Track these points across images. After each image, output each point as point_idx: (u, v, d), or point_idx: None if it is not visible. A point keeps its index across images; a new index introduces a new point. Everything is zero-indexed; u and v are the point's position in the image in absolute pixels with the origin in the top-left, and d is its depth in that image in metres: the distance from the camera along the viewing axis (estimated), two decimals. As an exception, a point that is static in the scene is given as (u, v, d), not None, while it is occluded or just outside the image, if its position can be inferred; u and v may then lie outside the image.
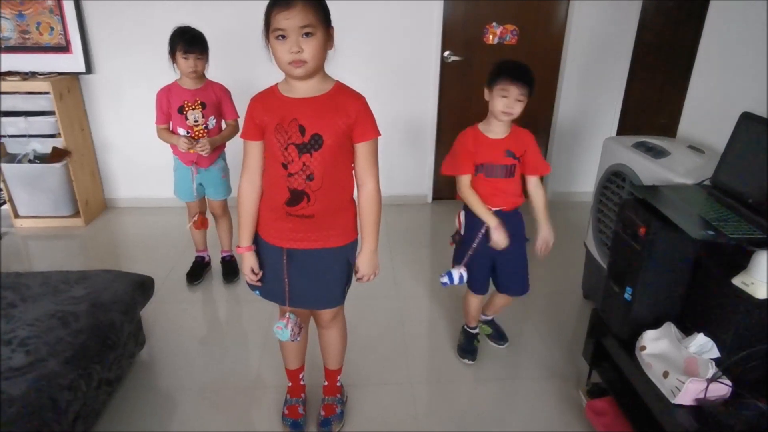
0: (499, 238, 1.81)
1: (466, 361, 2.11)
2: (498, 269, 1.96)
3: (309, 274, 1.51)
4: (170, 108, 2.36)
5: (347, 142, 1.40)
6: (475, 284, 2.00)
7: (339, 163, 1.41)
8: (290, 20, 1.23)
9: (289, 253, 1.49)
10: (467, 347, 2.15)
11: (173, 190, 2.56)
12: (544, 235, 1.89)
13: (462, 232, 1.95)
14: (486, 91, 1.79)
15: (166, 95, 2.36)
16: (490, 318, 2.25)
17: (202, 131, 2.37)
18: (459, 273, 1.91)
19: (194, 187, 2.50)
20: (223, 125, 2.49)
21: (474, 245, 1.88)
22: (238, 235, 1.53)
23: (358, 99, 1.40)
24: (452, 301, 2.52)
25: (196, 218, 2.61)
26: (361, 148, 1.42)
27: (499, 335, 2.24)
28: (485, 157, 1.83)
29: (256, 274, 1.54)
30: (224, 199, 2.59)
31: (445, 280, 1.93)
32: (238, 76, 2.65)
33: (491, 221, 1.81)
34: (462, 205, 1.94)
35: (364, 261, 1.52)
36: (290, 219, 1.44)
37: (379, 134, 1.43)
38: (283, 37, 1.25)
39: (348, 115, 1.36)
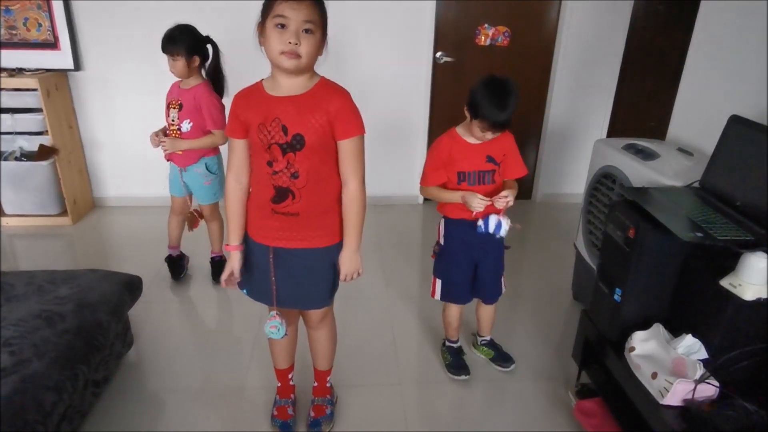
0: (474, 200, 1.70)
1: (462, 377, 2.02)
2: (477, 275, 1.94)
3: (295, 275, 1.50)
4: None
5: (332, 140, 1.38)
6: (457, 294, 1.97)
7: (324, 162, 1.39)
8: (296, 11, 1.23)
9: (276, 252, 1.48)
10: (457, 363, 2.06)
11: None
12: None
13: (441, 242, 1.93)
14: (466, 109, 1.72)
15: (169, 89, 2.40)
16: (488, 339, 2.17)
17: (175, 132, 2.37)
18: (496, 218, 1.74)
19: (182, 183, 2.49)
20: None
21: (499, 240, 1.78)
22: (227, 234, 1.52)
23: (341, 95, 1.37)
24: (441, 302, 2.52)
25: (189, 217, 2.59)
26: (344, 146, 1.39)
27: (502, 357, 2.12)
28: (465, 165, 1.77)
29: (235, 277, 1.52)
30: (210, 204, 2.56)
31: (480, 225, 1.75)
32: (230, 75, 2.63)
33: (459, 195, 1.74)
34: (442, 216, 1.91)
35: (344, 260, 1.50)
36: (276, 217, 1.43)
37: (362, 132, 1.40)
38: (283, 26, 1.24)
39: (328, 112, 1.34)
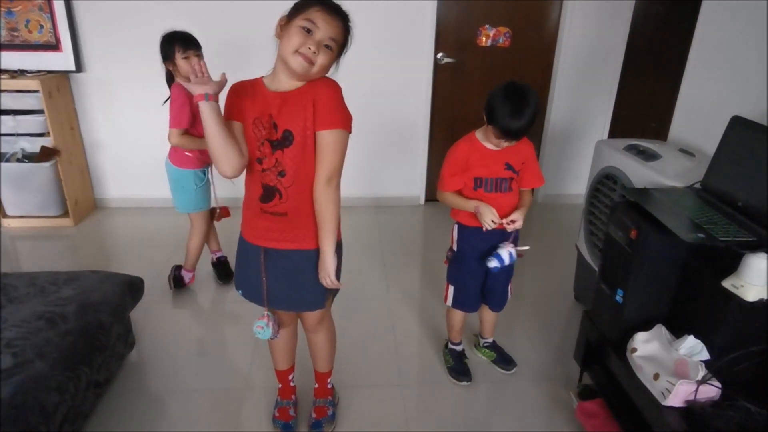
0: (487, 216, 1.69)
1: (463, 383, 2.01)
2: (487, 282, 1.93)
3: (285, 276, 1.49)
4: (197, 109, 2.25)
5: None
6: (467, 302, 1.97)
7: (311, 160, 1.36)
8: (328, 25, 1.26)
9: (267, 253, 1.47)
10: (460, 368, 2.05)
11: (192, 207, 2.42)
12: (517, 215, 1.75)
13: (455, 248, 1.91)
14: (485, 116, 1.68)
15: (188, 94, 2.11)
16: (491, 341, 2.17)
17: None
18: (507, 252, 1.76)
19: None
20: None
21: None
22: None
23: (327, 86, 1.34)
24: (443, 303, 2.51)
25: (218, 210, 2.52)
26: (322, 138, 1.33)
27: (504, 359, 2.12)
28: (483, 171, 1.75)
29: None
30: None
31: (495, 264, 1.77)
32: (230, 79, 2.64)
33: (474, 205, 1.73)
34: (455, 222, 1.89)
35: (320, 263, 1.45)
36: (265, 216, 1.43)
37: (344, 127, 1.35)
38: (309, 31, 1.25)
39: (314, 102, 1.31)
